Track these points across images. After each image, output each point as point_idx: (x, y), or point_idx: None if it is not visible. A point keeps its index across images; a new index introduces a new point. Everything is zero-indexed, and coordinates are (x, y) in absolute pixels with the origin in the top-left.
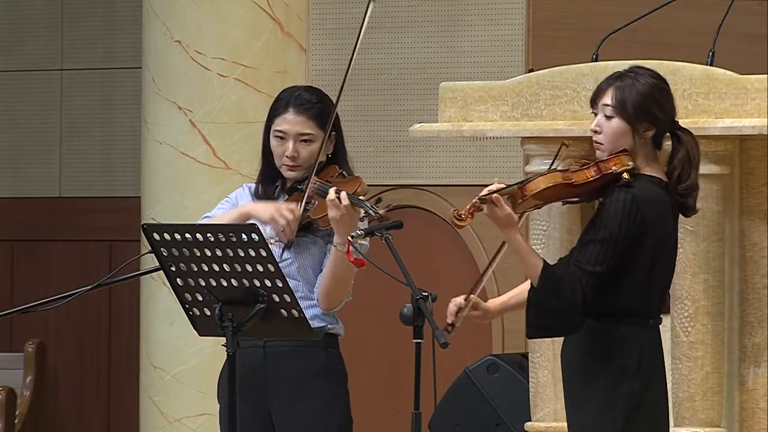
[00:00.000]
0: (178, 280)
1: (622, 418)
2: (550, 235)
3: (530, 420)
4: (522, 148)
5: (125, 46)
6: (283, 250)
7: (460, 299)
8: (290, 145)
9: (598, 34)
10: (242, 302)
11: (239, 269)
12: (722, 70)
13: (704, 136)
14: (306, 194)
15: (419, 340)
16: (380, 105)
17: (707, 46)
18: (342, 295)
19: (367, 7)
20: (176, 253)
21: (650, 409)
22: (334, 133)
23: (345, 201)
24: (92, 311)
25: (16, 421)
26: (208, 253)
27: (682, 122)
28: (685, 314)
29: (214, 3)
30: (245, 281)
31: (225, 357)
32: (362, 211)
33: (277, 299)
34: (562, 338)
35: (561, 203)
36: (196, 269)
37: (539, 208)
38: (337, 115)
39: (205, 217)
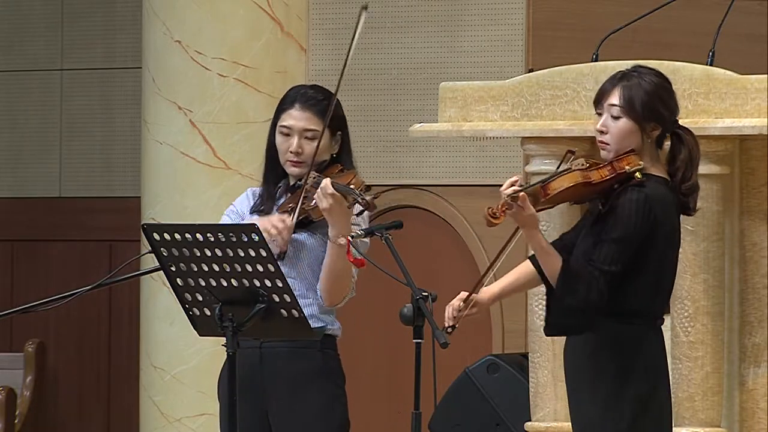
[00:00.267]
0: (178, 280)
1: (629, 419)
2: (549, 234)
3: (530, 420)
4: (522, 148)
5: (125, 46)
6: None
7: (458, 303)
8: (295, 140)
9: (598, 34)
10: (242, 302)
11: (239, 269)
12: (722, 70)
13: (704, 136)
14: (304, 188)
15: (419, 340)
16: (380, 105)
17: (707, 46)
18: (344, 291)
19: (360, 15)
20: (176, 253)
21: (656, 411)
22: (340, 132)
23: (329, 189)
24: (92, 311)
25: (16, 421)
26: (208, 253)
27: (682, 122)
28: (685, 314)
29: (214, 3)
30: (245, 281)
31: (225, 357)
32: (351, 199)
33: (277, 299)
34: (563, 338)
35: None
36: (196, 269)
37: (551, 208)
38: (344, 115)
39: None
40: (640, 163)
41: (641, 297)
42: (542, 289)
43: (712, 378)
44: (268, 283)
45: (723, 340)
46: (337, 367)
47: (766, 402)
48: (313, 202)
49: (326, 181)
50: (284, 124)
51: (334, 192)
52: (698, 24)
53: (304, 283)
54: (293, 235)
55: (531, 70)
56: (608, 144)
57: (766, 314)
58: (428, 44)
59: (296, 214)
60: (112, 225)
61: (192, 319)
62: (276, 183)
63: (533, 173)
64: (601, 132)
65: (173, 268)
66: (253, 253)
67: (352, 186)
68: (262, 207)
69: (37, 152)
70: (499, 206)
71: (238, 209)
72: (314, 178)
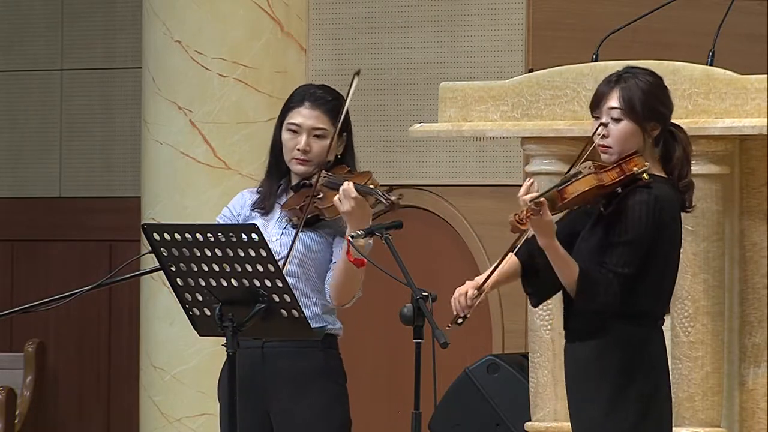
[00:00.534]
0: (178, 280)
1: (633, 419)
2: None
3: (530, 420)
4: (522, 148)
5: (125, 46)
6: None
7: (472, 291)
8: (303, 138)
9: (598, 34)
10: (242, 302)
11: (239, 269)
12: (722, 70)
13: (704, 136)
14: (315, 187)
15: (419, 340)
16: (380, 105)
17: (707, 46)
18: (354, 291)
19: (353, 80)
20: (176, 253)
21: (658, 411)
22: (345, 134)
23: (352, 192)
24: (92, 311)
25: (16, 421)
26: (208, 253)
27: (682, 122)
28: (685, 314)
29: (214, 3)
30: (245, 281)
31: (225, 357)
32: (373, 199)
33: (277, 299)
34: (561, 338)
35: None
36: (196, 269)
37: (561, 212)
38: (349, 117)
39: None
40: (647, 164)
41: (648, 298)
42: None
43: (712, 378)
44: (268, 283)
45: (723, 340)
46: (339, 367)
47: (766, 402)
48: (326, 200)
49: (349, 184)
50: (293, 121)
51: (357, 195)
52: (698, 24)
53: (309, 283)
54: (300, 233)
55: (531, 70)
56: (610, 147)
57: (766, 314)
58: (428, 44)
59: (305, 215)
60: (112, 225)
61: (192, 319)
62: (278, 180)
63: (533, 173)
64: (603, 136)
65: (173, 268)
66: (253, 253)
67: (371, 186)
68: (263, 205)
69: (37, 152)
70: (525, 212)
71: (233, 212)
72: (326, 177)
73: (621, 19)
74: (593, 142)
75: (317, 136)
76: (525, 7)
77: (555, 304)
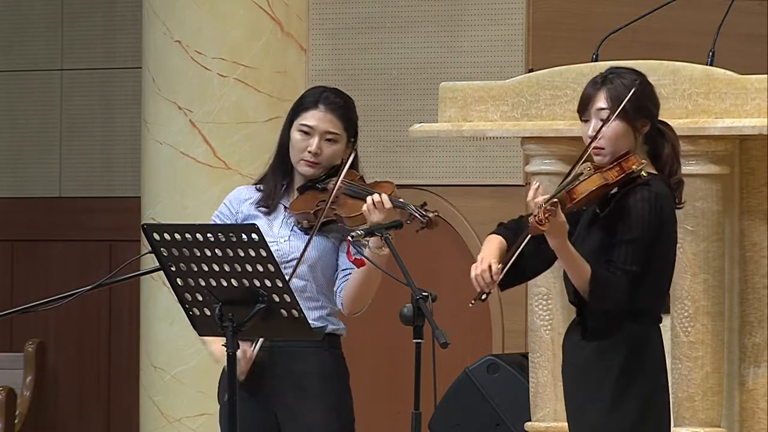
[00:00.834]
0: (178, 280)
1: (633, 418)
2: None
3: (530, 420)
4: (522, 148)
5: (125, 46)
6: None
7: (495, 266)
8: (315, 141)
9: (598, 34)
10: (242, 302)
11: (239, 269)
12: (722, 70)
13: (704, 136)
14: (332, 193)
15: (419, 340)
16: (380, 105)
17: (707, 46)
18: (369, 299)
19: (348, 158)
20: (176, 253)
21: (658, 410)
22: (353, 140)
23: (387, 204)
24: (92, 311)
25: (16, 421)
26: (208, 253)
27: (682, 122)
28: (685, 314)
29: (214, 3)
30: (245, 281)
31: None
32: (406, 214)
33: (277, 299)
34: (561, 338)
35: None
36: (196, 269)
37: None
38: (356, 123)
39: None
40: (643, 161)
41: (649, 296)
42: (543, 289)
43: (712, 378)
44: (268, 283)
45: (723, 340)
46: (344, 366)
47: (766, 402)
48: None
49: (385, 197)
50: (306, 123)
51: (391, 207)
52: (698, 24)
53: (316, 285)
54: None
55: (531, 70)
56: (603, 148)
57: (766, 314)
58: (428, 44)
59: (320, 219)
60: (112, 225)
61: (192, 319)
62: (283, 179)
63: (533, 173)
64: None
65: (173, 268)
66: (253, 253)
67: (401, 199)
68: (267, 203)
69: (37, 152)
70: (542, 213)
71: (231, 209)
72: (346, 184)
73: (621, 19)
74: (592, 141)
75: (329, 140)
76: (525, 7)
77: (555, 303)
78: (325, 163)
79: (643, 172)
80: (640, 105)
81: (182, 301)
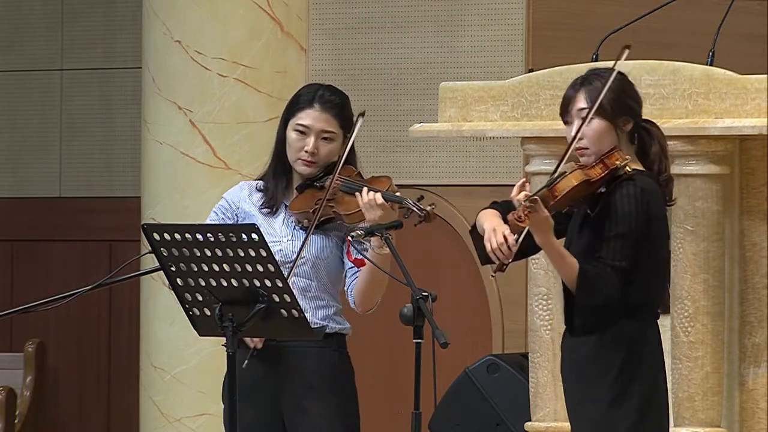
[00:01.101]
0: (178, 280)
1: (634, 415)
2: None
3: (530, 420)
4: (522, 148)
5: (125, 46)
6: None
7: (511, 239)
8: (311, 140)
9: (598, 34)
10: (242, 302)
11: (239, 269)
12: (722, 70)
13: (704, 136)
14: (328, 191)
15: (419, 340)
16: (380, 105)
17: (707, 46)
18: (380, 295)
19: (357, 120)
20: (176, 253)
21: (657, 406)
22: (349, 135)
23: (379, 200)
24: (92, 311)
25: (16, 421)
26: (208, 253)
27: (682, 122)
28: (685, 314)
29: (214, 3)
30: (245, 281)
31: (225, 357)
32: (402, 208)
33: (277, 299)
34: (561, 337)
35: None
36: (196, 269)
37: (561, 211)
38: (352, 119)
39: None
40: (627, 157)
41: (641, 292)
42: (543, 289)
43: (712, 378)
44: (268, 283)
45: (723, 340)
46: (349, 367)
47: (766, 402)
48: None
49: (377, 195)
50: (302, 122)
51: (384, 203)
52: (698, 24)
53: (320, 284)
54: (312, 236)
55: (531, 70)
56: (587, 148)
57: (766, 314)
58: (428, 44)
59: (317, 218)
60: (112, 225)
61: (192, 319)
62: (283, 178)
63: (533, 173)
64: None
65: (173, 268)
66: (253, 253)
67: (398, 194)
68: (271, 205)
69: (37, 152)
70: (522, 211)
71: (231, 205)
72: (341, 181)
73: (621, 19)
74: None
75: (325, 139)
76: (525, 7)
77: (555, 303)
78: (322, 162)
79: (627, 168)
80: (620, 102)
81: (182, 301)
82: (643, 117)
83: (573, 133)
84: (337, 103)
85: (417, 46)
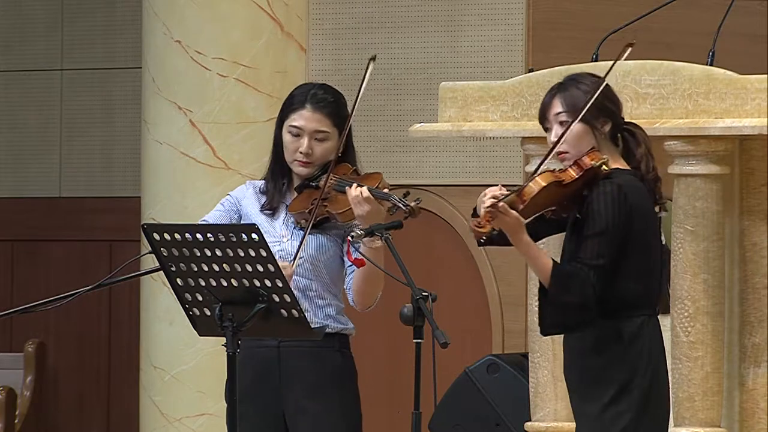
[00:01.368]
0: (178, 280)
1: (634, 412)
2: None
3: (530, 420)
4: (522, 148)
5: (125, 46)
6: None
7: (497, 191)
8: (305, 141)
9: (598, 34)
10: (242, 302)
11: (239, 269)
12: (722, 70)
13: (704, 136)
14: (323, 190)
15: (419, 340)
16: (380, 105)
17: (707, 46)
18: (378, 292)
19: (368, 65)
20: (176, 253)
21: (657, 402)
22: (342, 133)
23: (366, 194)
24: (92, 311)
25: (16, 421)
26: (208, 253)
27: (682, 122)
28: (685, 314)
29: (214, 3)
30: (245, 281)
31: (225, 357)
32: (389, 204)
33: (277, 299)
34: (562, 337)
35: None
36: (196, 269)
37: (539, 214)
38: (348, 114)
39: (202, 220)
40: (604, 156)
41: (633, 287)
42: None
43: (712, 378)
44: (268, 283)
45: (723, 340)
46: (353, 366)
47: (766, 402)
48: (336, 203)
49: (363, 189)
50: (294, 124)
51: (370, 197)
52: (698, 24)
53: (322, 284)
54: (310, 236)
55: (531, 70)
56: (567, 152)
57: (766, 314)
58: (428, 44)
59: (313, 218)
60: (112, 225)
61: (192, 319)
62: (282, 179)
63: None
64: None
65: (173, 268)
66: (253, 253)
67: (386, 190)
68: (271, 206)
69: (37, 152)
70: (484, 217)
71: (235, 201)
72: (334, 180)
73: (621, 19)
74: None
75: (319, 139)
76: (525, 7)
77: None
78: (318, 162)
79: (604, 167)
80: (597, 103)
81: (182, 301)
82: (643, 117)
83: (553, 139)
84: (330, 102)
85: (417, 46)
